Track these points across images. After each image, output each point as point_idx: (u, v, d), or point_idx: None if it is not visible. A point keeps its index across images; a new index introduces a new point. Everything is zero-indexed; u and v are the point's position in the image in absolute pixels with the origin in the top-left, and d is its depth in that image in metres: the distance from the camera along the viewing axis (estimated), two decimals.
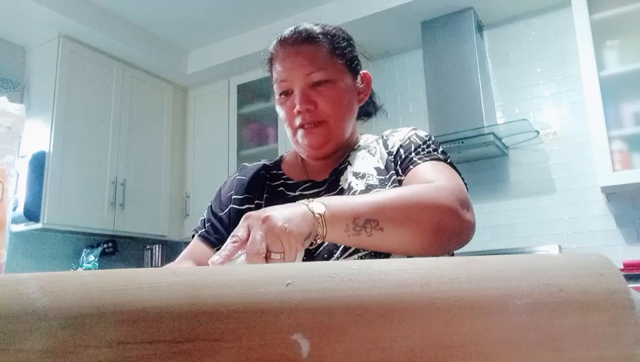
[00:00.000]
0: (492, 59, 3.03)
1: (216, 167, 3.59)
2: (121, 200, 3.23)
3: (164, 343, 0.27)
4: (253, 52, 3.42)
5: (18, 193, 2.77)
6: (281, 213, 0.62)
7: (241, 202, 0.95)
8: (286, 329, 0.29)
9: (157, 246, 3.57)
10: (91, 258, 3.13)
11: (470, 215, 0.76)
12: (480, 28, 3.00)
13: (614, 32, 2.53)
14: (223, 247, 0.61)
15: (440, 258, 0.35)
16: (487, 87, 2.89)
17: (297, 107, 0.88)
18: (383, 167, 0.90)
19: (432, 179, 0.78)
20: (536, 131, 2.78)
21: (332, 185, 0.91)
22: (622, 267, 2.18)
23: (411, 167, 0.84)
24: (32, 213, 2.79)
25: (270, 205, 0.86)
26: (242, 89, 3.63)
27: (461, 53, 2.87)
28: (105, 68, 3.30)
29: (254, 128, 3.62)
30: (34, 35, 3.09)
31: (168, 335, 0.28)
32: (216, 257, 0.60)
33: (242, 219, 0.64)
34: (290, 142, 0.97)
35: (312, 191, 0.91)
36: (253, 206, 0.93)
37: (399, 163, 0.88)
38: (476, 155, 2.86)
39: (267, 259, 0.60)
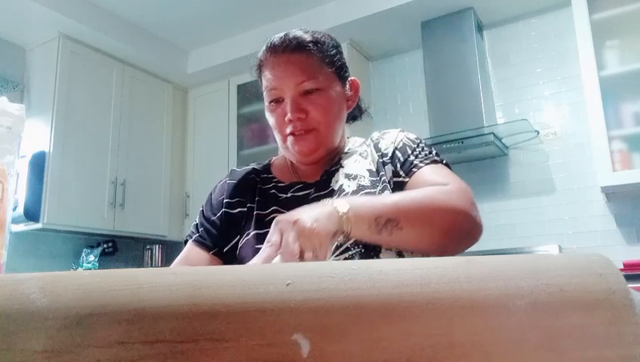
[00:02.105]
0: (492, 59, 3.03)
1: (216, 167, 3.59)
2: (121, 200, 3.23)
3: (165, 343, 0.27)
4: (253, 52, 3.41)
5: (18, 193, 2.77)
6: (308, 215, 0.67)
7: (233, 206, 0.96)
8: (286, 329, 0.29)
9: (157, 246, 3.57)
10: (91, 258, 3.14)
11: (479, 216, 0.80)
12: (480, 28, 3.00)
13: (614, 32, 2.53)
14: (260, 252, 0.66)
15: (440, 258, 0.35)
16: (487, 87, 2.89)
17: (289, 115, 0.89)
18: (374, 170, 0.93)
19: (438, 181, 0.83)
20: (536, 131, 2.78)
21: (323, 185, 0.93)
22: (622, 267, 2.18)
23: (414, 170, 0.88)
24: (32, 213, 2.79)
25: (262, 207, 0.92)
26: (242, 89, 3.63)
27: (461, 53, 2.87)
28: (105, 68, 3.30)
29: (254, 128, 3.62)
30: (34, 35, 3.09)
31: (168, 335, 0.28)
32: (255, 260, 0.65)
33: (273, 223, 0.68)
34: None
35: (303, 193, 0.94)
36: (245, 209, 0.95)
37: (400, 166, 0.91)
38: (476, 155, 2.86)
39: (301, 258, 0.64)
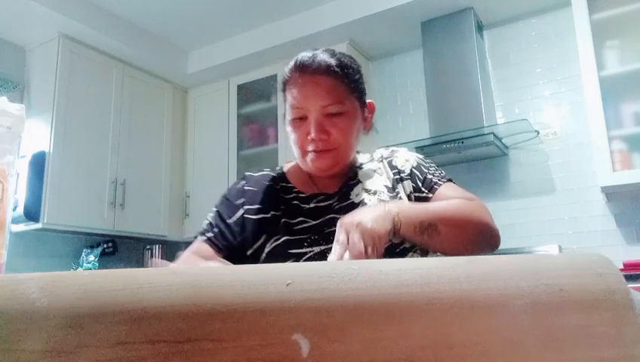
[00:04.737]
0: (492, 59, 3.03)
1: (216, 167, 3.59)
2: (121, 200, 3.23)
3: (164, 343, 0.27)
4: (253, 52, 3.42)
5: (18, 193, 2.77)
6: (368, 217, 0.78)
7: (256, 212, 1.01)
8: (286, 329, 0.29)
9: (157, 246, 3.57)
10: (91, 258, 3.13)
11: (497, 228, 0.94)
12: (480, 28, 3.00)
13: (614, 32, 2.53)
14: (332, 251, 0.77)
15: (440, 258, 0.35)
16: (487, 87, 2.89)
17: (312, 135, 0.94)
18: (390, 186, 1.03)
19: (457, 197, 0.96)
20: (536, 131, 2.78)
21: (342, 197, 1.01)
22: (622, 267, 2.18)
23: (435, 187, 1.00)
24: (32, 213, 2.79)
25: (287, 217, 1.00)
26: (242, 89, 3.63)
27: (461, 53, 2.87)
28: (105, 68, 3.29)
29: (254, 128, 3.62)
30: (34, 35, 3.09)
31: (168, 335, 0.28)
32: (332, 257, 0.76)
33: (339, 225, 0.79)
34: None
35: (326, 203, 1.01)
36: (268, 216, 1.00)
37: (421, 183, 1.02)
38: (476, 155, 2.86)
39: (365, 253, 0.74)
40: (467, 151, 2.77)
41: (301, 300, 0.30)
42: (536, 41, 2.92)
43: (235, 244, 0.98)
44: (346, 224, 0.78)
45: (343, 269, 0.32)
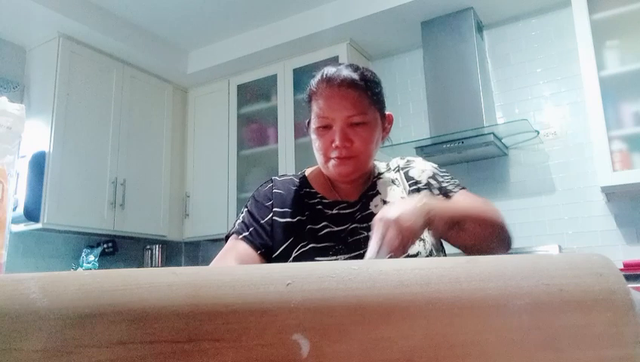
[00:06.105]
0: (492, 59, 3.03)
1: (216, 167, 3.59)
2: (121, 200, 3.23)
3: (164, 343, 0.27)
4: (253, 52, 3.42)
5: (18, 193, 2.77)
6: (404, 213, 0.82)
7: (281, 215, 1.08)
8: (286, 329, 0.29)
9: (157, 246, 3.57)
10: (91, 258, 3.13)
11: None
12: (480, 28, 3.00)
13: (614, 32, 2.53)
14: (370, 246, 0.81)
15: (440, 258, 0.35)
16: (487, 87, 2.89)
17: (337, 142, 1.01)
18: (406, 196, 1.09)
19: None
20: (536, 131, 2.78)
21: (363, 207, 1.09)
22: (622, 267, 2.18)
23: (450, 195, 1.07)
24: (32, 213, 2.79)
25: (312, 222, 1.07)
26: (242, 89, 3.63)
27: (461, 53, 2.87)
28: (105, 68, 3.29)
29: (254, 128, 3.62)
30: (34, 35, 3.09)
31: (168, 335, 0.28)
32: (370, 254, 0.80)
33: (377, 221, 0.82)
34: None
35: (348, 211, 1.08)
36: (293, 220, 1.07)
37: (437, 192, 1.08)
38: (476, 155, 2.86)
39: (402, 249, 0.79)
40: (467, 151, 2.77)
41: (301, 300, 0.30)
42: (536, 41, 2.92)
43: (270, 244, 1.05)
44: (383, 220, 0.81)
45: (343, 269, 0.32)
